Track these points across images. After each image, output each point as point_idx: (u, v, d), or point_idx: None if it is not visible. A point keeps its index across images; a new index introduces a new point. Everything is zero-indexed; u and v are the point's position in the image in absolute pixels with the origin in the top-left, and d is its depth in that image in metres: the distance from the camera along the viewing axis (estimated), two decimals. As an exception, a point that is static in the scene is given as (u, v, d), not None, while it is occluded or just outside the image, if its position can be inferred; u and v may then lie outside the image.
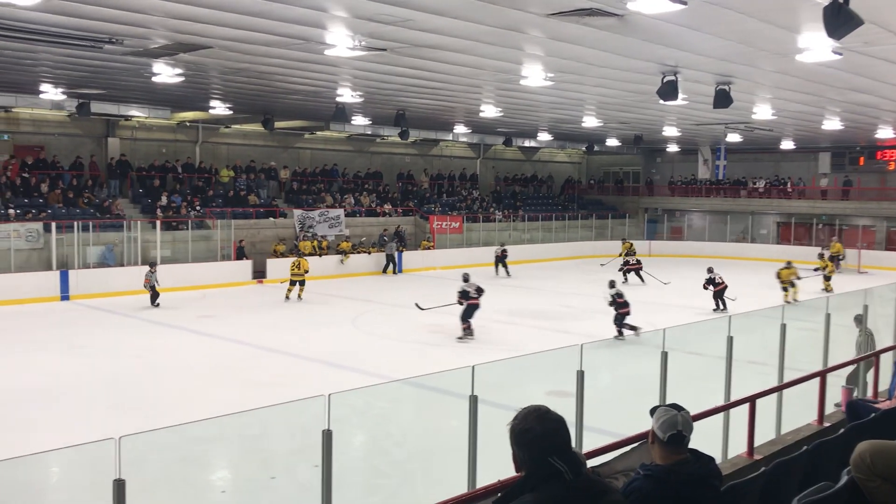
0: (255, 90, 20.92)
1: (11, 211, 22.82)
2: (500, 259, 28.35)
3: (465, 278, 17.00)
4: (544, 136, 35.71)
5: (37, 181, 24.97)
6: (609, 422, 8.27)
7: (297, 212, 28.83)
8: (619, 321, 15.98)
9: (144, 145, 28.71)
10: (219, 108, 24.90)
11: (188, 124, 29.21)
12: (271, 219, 28.41)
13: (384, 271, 28.07)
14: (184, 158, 29.41)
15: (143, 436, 4.65)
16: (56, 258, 21.78)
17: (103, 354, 14.70)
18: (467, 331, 16.10)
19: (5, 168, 24.87)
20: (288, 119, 29.12)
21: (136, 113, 26.14)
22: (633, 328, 15.87)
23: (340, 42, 13.53)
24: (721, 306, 19.92)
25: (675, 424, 3.32)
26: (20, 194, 24.14)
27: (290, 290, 21.70)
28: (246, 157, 31.21)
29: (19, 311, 19.04)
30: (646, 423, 3.55)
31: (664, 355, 8.12)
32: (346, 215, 29.96)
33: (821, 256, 25.55)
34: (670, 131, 30.59)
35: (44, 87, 21.10)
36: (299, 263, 21.75)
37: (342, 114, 23.55)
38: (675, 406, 3.45)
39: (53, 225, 22.06)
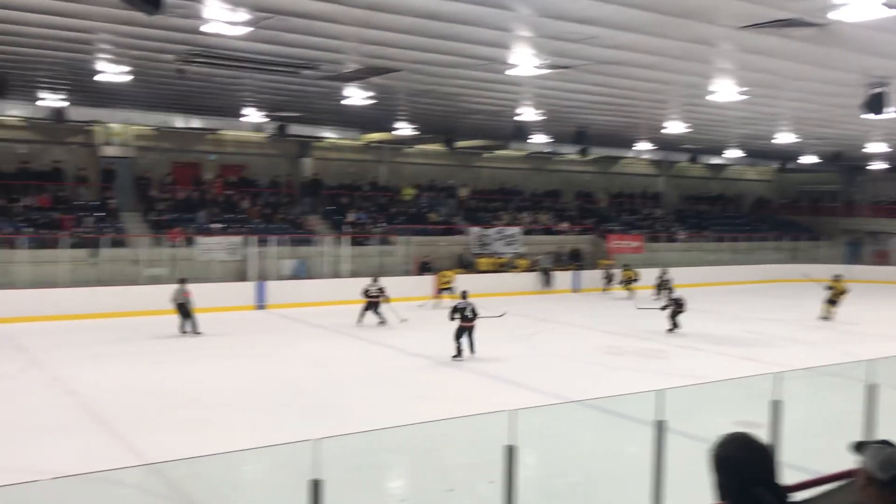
0: (439, 111, 21.50)
1: (216, 225, 24.77)
2: (662, 286, 26.51)
3: (464, 295, 16.11)
4: (733, 153, 34.12)
5: (238, 198, 26.97)
6: (804, 457, 7.69)
7: (475, 229, 29.26)
8: None
9: (335, 165, 30.27)
10: (404, 129, 25.83)
11: (375, 145, 30.49)
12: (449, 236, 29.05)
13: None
14: (370, 177, 30.74)
15: (333, 440, 4.84)
16: (254, 270, 23.37)
17: (293, 362, 15.54)
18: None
19: (211, 186, 27.06)
20: (468, 138, 29.70)
21: (328, 134, 27.70)
22: None
23: (524, 61, 13.65)
24: None
25: (895, 464, 3.01)
26: (224, 210, 26.16)
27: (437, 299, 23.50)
28: (427, 176, 32.14)
29: (219, 319, 20.51)
30: (846, 461, 3.25)
31: (870, 388, 7.46)
32: (522, 233, 30.04)
33: None
34: (875, 147, 28.28)
35: (246, 110, 22.82)
36: (445, 274, 23.67)
37: (521, 132, 23.71)
38: (887, 443, 3.13)
39: (253, 239, 23.69)
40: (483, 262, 27.83)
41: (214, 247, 23.47)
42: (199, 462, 8.15)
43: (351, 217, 27.71)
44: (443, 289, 24.01)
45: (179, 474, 8.15)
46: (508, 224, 30.43)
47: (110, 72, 15.97)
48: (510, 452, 5.26)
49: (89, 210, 23.75)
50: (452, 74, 15.76)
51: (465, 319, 15.42)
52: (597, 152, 32.48)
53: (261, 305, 22.50)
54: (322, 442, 4.17)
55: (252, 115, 23.35)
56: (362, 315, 19.86)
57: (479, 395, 13.04)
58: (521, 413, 5.82)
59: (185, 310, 18.18)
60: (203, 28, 11.55)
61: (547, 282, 27.97)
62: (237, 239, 23.89)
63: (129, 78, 16.39)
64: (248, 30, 11.54)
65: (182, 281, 18.72)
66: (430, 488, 9.01)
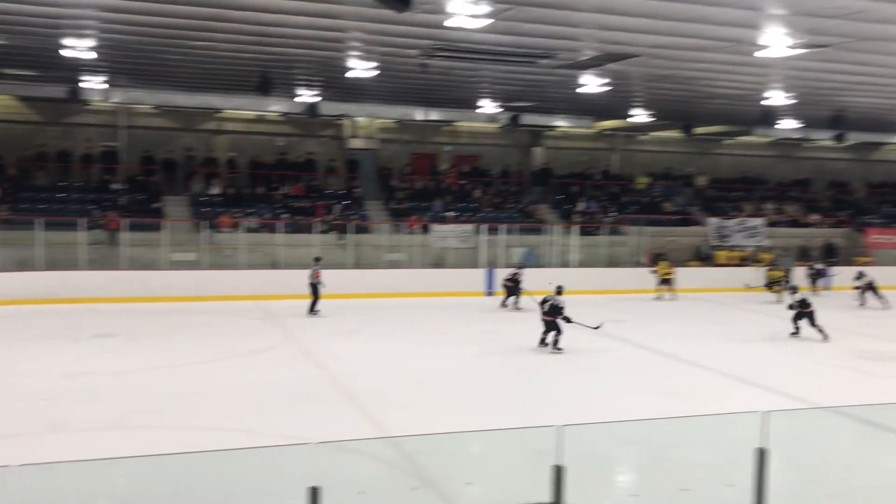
0: (677, 96, 20.72)
1: (450, 213, 25.64)
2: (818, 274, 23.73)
3: (558, 290, 15.28)
4: None
5: (471, 187, 27.72)
6: None
7: (713, 220, 27.89)
8: None
9: (565, 154, 30.17)
10: (639, 116, 25.16)
11: (608, 132, 29.99)
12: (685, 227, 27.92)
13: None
14: (601, 165, 30.31)
15: (571, 428, 4.83)
16: (483, 257, 23.93)
17: (520, 349, 15.71)
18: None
19: (446, 175, 28.04)
20: (707, 124, 28.35)
21: (560, 123, 27.68)
22: None
23: (775, 42, 12.76)
24: None
25: None
26: (457, 199, 27.02)
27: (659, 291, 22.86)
28: (662, 164, 31.11)
29: (451, 304, 21.22)
30: None
31: None
32: (766, 225, 28.17)
33: None
34: None
35: (481, 102, 23.35)
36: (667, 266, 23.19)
37: (768, 117, 22.23)
38: None
39: (484, 227, 24.26)
40: (721, 255, 26.46)
41: (448, 234, 24.32)
42: (436, 439, 8.50)
43: (581, 206, 27.50)
44: (664, 280, 23.26)
45: (417, 448, 8.53)
46: (750, 215, 28.67)
47: (359, 68, 17.01)
48: (761, 456, 4.95)
49: (338, 198, 25.54)
50: (694, 58, 15.09)
51: (545, 314, 15.07)
52: (854, 138, 29.66)
53: (489, 292, 22.99)
54: (564, 429, 4.16)
55: (487, 106, 23.87)
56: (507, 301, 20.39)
57: (716, 393, 12.48)
58: (780, 415, 5.46)
59: (315, 290, 18.78)
60: (446, 22, 11.95)
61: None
62: (469, 227, 24.57)
63: (375, 73, 17.35)
64: (488, 22, 11.77)
65: (317, 260, 19.45)
66: (664, 486, 8.72)
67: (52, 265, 19.82)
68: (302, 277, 19.39)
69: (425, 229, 24.37)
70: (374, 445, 8.98)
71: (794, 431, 8.50)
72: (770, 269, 24.53)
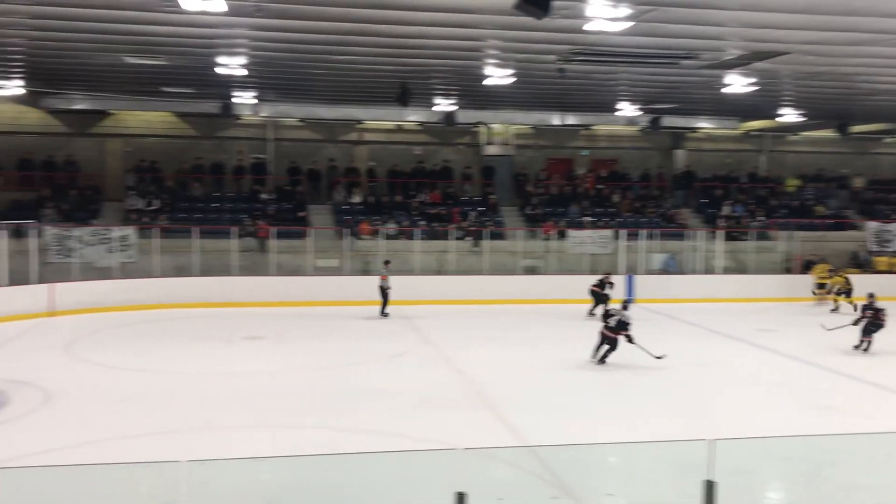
0: (832, 94, 19.55)
1: (587, 219, 25.28)
2: None
3: (625, 305, 14.47)
4: None
5: (609, 192, 27.23)
6: None
7: (872, 224, 26.10)
8: None
9: (709, 156, 29.11)
10: (788, 115, 23.92)
11: (754, 133, 28.70)
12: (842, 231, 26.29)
13: None
14: (748, 168, 29.04)
15: (724, 442, 4.63)
16: (623, 263, 23.43)
17: (667, 358, 15.25)
18: None
19: (583, 180, 27.68)
20: (865, 122, 26.58)
21: (704, 124, 26.74)
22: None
23: (945, 30, 11.82)
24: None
25: None
26: (595, 203, 26.60)
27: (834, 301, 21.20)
28: (814, 165, 29.46)
29: (587, 310, 20.85)
30: None
31: None
32: (932, 229, 26.12)
33: None
34: None
35: (620, 104, 22.91)
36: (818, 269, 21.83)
37: (934, 113, 20.61)
38: None
39: (623, 232, 23.75)
40: (882, 261, 24.73)
41: (586, 240, 23.98)
42: (576, 449, 8.38)
43: (726, 210, 26.44)
44: (821, 284, 22.18)
45: (557, 458, 8.44)
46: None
47: (496, 76, 17.08)
48: (708, 488, 4.55)
49: (473, 205, 25.74)
50: (850, 53, 14.20)
51: (608, 328, 13.88)
52: None
53: (630, 299, 22.39)
54: (717, 443, 4.00)
55: (626, 108, 23.40)
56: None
57: (878, 409, 11.69)
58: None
59: (384, 294, 19.14)
60: (585, 27, 11.80)
61: None
62: (607, 232, 24.13)
63: (512, 80, 17.37)
64: (629, 24, 11.53)
65: (386, 263, 19.80)
66: (819, 506, 8.24)
67: (206, 271, 21.05)
68: (437, 283, 19.68)
69: (562, 235, 24.14)
70: (515, 453, 8.97)
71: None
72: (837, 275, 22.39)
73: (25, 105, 23.09)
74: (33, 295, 18.74)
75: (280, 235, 22.20)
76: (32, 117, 24.21)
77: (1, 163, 23.89)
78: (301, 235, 22.72)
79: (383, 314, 19.36)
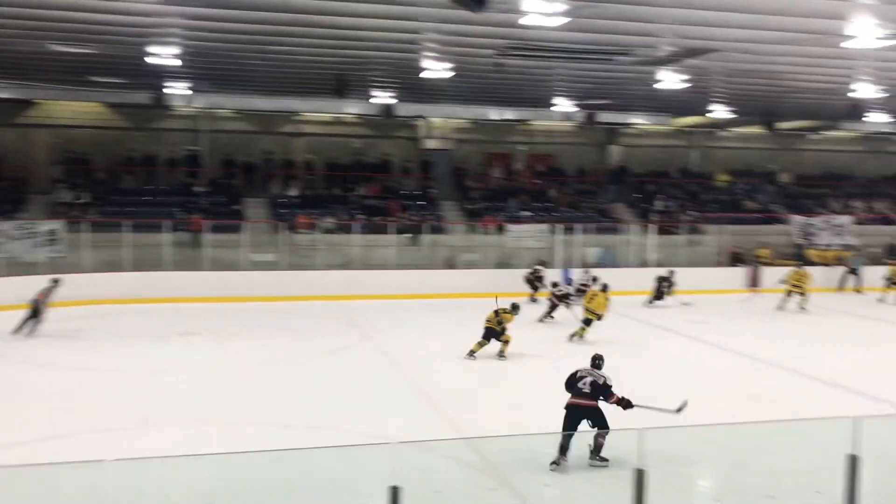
0: (759, 91, 20.14)
1: (525, 213, 25.51)
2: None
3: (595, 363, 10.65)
4: None
5: (546, 186, 27.53)
6: None
7: (797, 218, 26.99)
8: None
9: (642, 151, 29.68)
10: (719, 112, 24.55)
11: (685, 129, 29.36)
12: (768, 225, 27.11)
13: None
14: (680, 163, 29.71)
15: (653, 432, 4.74)
16: (559, 257, 23.72)
17: (601, 351, 15.47)
18: None
19: (521, 175, 27.92)
20: (791, 119, 27.46)
21: (637, 120, 27.26)
22: None
23: (863, 32, 12.27)
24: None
25: None
26: (533, 198, 26.87)
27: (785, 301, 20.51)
28: (743, 161, 30.34)
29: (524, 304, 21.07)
30: None
31: None
32: (854, 223, 27.09)
33: None
34: None
35: (556, 100, 23.17)
36: (802, 275, 20.48)
37: (856, 111, 21.40)
38: None
39: (560, 227, 24.03)
40: (813, 253, 25.62)
41: (524, 234, 24.20)
42: (513, 440, 8.48)
43: (659, 205, 27.00)
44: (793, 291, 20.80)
45: (494, 450, 8.52)
46: (837, 212, 27.64)
47: (434, 69, 17.09)
48: (853, 463, 4.75)
49: (412, 199, 25.73)
50: (777, 51, 14.64)
51: (576, 394, 8.81)
52: (949, 131, 28.32)
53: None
54: (645, 432, 4.08)
55: (562, 104, 23.67)
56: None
57: (804, 397, 12.09)
58: (865, 421, 5.26)
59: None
60: (521, 21, 11.89)
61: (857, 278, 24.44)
62: (545, 226, 24.39)
63: (450, 74, 17.40)
64: (564, 20, 11.66)
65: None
66: (749, 492, 8.49)
67: (138, 266, 20.52)
68: (377, 277, 19.53)
69: (500, 229, 24.31)
70: (452, 446, 9.02)
71: (889, 437, 8.14)
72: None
73: (-56, 94, 22.21)
74: (-45, 291, 18.04)
75: (214, 229, 21.79)
76: (-48, 107, 23.32)
77: (-81, 153, 22.92)
78: (236, 229, 22.36)
79: None
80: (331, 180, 26.00)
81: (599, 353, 9.18)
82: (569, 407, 8.65)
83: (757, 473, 8.67)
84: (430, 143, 27.60)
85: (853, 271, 24.04)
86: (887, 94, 19.37)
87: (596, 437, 8.27)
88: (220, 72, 19.05)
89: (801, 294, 20.19)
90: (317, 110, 25.75)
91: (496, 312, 14.33)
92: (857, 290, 23.82)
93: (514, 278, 21.57)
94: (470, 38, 14.09)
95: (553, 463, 8.20)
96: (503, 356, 14.13)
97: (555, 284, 19.00)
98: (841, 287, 24.14)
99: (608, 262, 24.37)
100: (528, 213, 25.53)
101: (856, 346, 16.09)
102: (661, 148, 29.93)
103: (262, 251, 22.11)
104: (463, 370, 13.47)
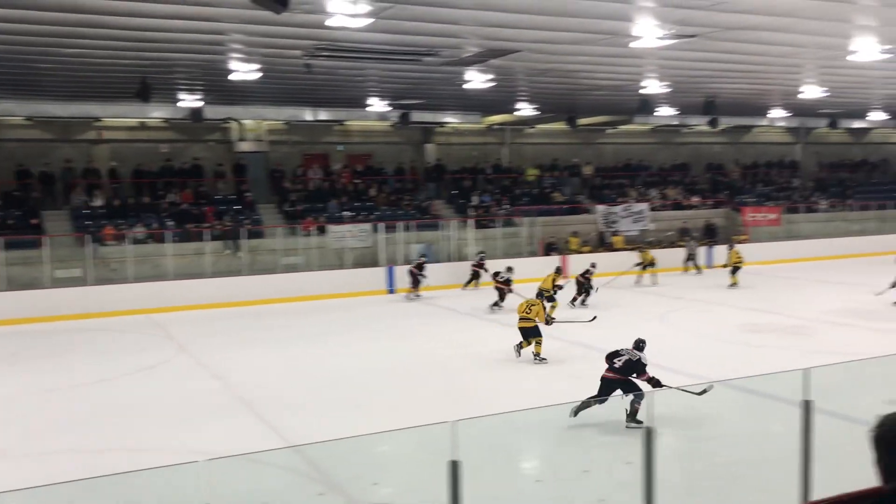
0: (560, 89, 21.25)
1: (346, 213, 25.49)
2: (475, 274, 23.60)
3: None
4: (877, 115, 31.94)
5: (366, 186, 27.64)
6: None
7: (601, 207, 28.79)
8: None
9: (457, 149, 30.48)
10: (525, 110, 25.67)
11: (496, 127, 30.47)
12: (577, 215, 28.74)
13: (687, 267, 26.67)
14: (493, 160, 30.79)
15: (473, 421, 4.92)
16: (383, 256, 23.93)
17: (429, 344, 15.82)
18: None
19: (340, 175, 27.86)
20: (590, 115, 29.21)
21: (450, 119, 27.95)
22: None
23: (647, 33, 13.28)
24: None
25: None
26: (353, 198, 26.89)
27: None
28: (550, 156, 31.87)
29: (354, 304, 21.15)
30: None
31: None
32: (651, 209, 29.29)
33: None
34: None
35: (371, 100, 23.31)
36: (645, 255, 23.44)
37: (646, 106, 23.11)
38: None
39: (381, 226, 24.23)
40: (618, 240, 27.52)
41: (345, 234, 24.17)
42: (339, 443, 8.46)
43: (475, 200, 27.86)
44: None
45: (321, 454, 8.49)
46: (635, 200, 29.75)
47: (242, 70, 16.68)
48: (648, 435, 5.18)
49: (228, 203, 24.98)
50: (573, 51, 15.52)
51: (609, 368, 10.03)
52: (727, 122, 31.20)
53: (391, 290, 23.01)
54: (459, 424, 4.24)
55: (376, 104, 23.83)
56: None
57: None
58: (661, 394, 5.73)
59: None
60: (327, 22, 11.87)
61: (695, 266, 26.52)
62: (366, 226, 24.50)
63: (259, 75, 17.05)
64: (369, 21, 11.76)
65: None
66: (567, 468, 9.00)
67: (-79, 290, 18.61)
68: (193, 287, 18.82)
69: (322, 231, 24.14)
70: (278, 455, 8.88)
71: (683, 408, 8.90)
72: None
73: None
74: None
75: (10, 246, 20.13)
76: None
77: None
78: (35, 245, 20.74)
79: None
80: (139, 188, 24.71)
81: (641, 337, 10.54)
82: (602, 379, 9.98)
83: (575, 450, 9.21)
84: (244, 146, 26.91)
85: (690, 256, 25.94)
86: (671, 90, 21.07)
87: (632, 403, 9.26)
88: (7, 76, 17.56)
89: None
90: (120, 115, 24.36)
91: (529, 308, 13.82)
92: (697, 269, 25.75)
93: (339, 279, 21.55)
94: (277, 39, 13.88)
95: (574, 412, 9.41)
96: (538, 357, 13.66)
97: (496, 274, 20.08)
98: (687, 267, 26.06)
99: (430, 257, 24.86)
100: (348, 214, 25.52)
101: (657, 323, 17.37)
102: (475, 145, 30.88)
103: (65, 267, 20.67)
104: (287, 377, 13.29)
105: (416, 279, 21.75)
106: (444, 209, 27.85)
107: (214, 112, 24.24)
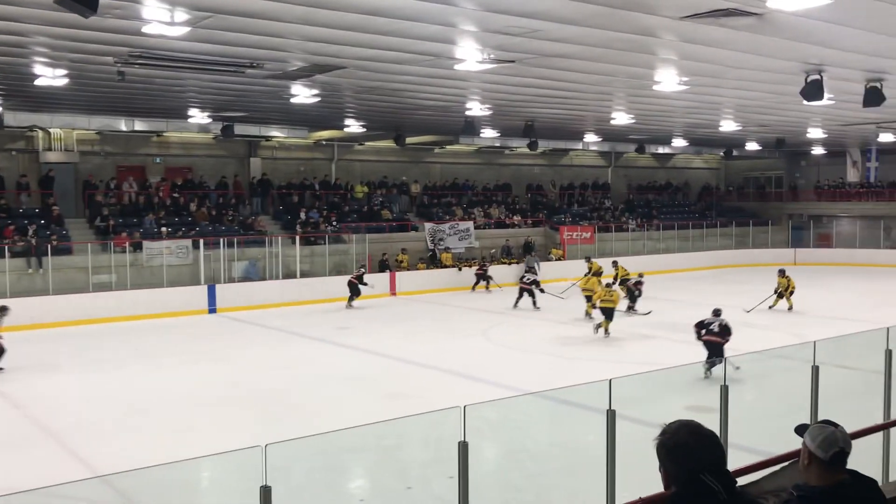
0: (387, 107, 21.41)
1: (164, 229, 24.31)
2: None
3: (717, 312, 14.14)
4: (679, 142, 34.67)
5: (186, 200, 26.53)
6: (754, 439, 7.87)
7: (428, 225, 29.26)
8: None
9: (284, 164, 29.97)
10: (353, 127, 25.67)
11: (324, 143, 30.26)
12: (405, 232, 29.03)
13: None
14: (321, 176, 30.52)
15: (287, 444, 4.80)
16: (204, 273, 23.02)
17: (249, 365, 15.36)
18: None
19: (157, 189, 26.58)
20: (418, 134, 29.65)
21: (276, 133, 27.40)
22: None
23: (469, 56, 13.66)
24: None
25: (835, 442, 3.07)
26: (171, 213, 25.71)
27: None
28: (379, 173, 32.04)
29: (171, 325, 20.20)
30: (794, 441, 3.32)
31: (815, 370, 7.65)
32: (475, 227, 30.12)
33: None
34: (815, 133, 28.96)
35: (191, 111, 22.44)
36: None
37: (471, 127, 23.73)
38: (829, 422, 3.20)
39: (202, 242, 23.31)
40: (445, 256, 28.09)
41: (163, 251, 23.05)
42: (151, 472, 8.00)
43: (302, 216, 27.46)
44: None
45: (131, 484, 7.99)
46: (461, 219, 30.48)
47: (47, 76, 15.55)
48: (463, 448, 5.27)
49: (31, 218, 23.14)
50: (398, 70, 15.67)
51: (709, 333, 13.53)
52: (545, 145, 32.68)
53: (212, 309, 22.18)
54: (271, 447, 4.12)
55: (197, 115, 22.96)
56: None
57: (439, 391, 13.05)
58: (477, 407, 5.84)
59: None
60: (143, 29, 11.31)
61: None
62: (186, 242, 23.50)
63: (66, 81, 15.97)
64: (187, 30, 11.33)
65: None
66: (390, 487, 9.00)
67: None
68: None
69: (136, 247, 22.88)
70: (84, 487, 8.27)
71: (499, 421, 9.14)
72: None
73: None
74: None
75: None
76: None
77: None
78: None
79: None
80: (-75, 200, 22.38)
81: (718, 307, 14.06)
82: (706, 342, 13.49)
83: (398, 468, 9.22)
84: (51, 157, 25.06)
85: (531, 269, 26.50)
86: (493, 112, 21.81)
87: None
88: None
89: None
90: None
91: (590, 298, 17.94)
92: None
93: (155, 298, 20.51)
94: (86, 45, 13.02)
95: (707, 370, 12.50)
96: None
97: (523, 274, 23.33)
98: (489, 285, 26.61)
99: (254, 275, 24.23)
100: (166, 229, 24.34)
101: (480, 339, 17.83)
102: (302, 160, 30.49)
103: None
104: (93, 404, 12.44)
105: (355, 289, 22.55)
106: (270, 225, 27.25)
107: (17, 119, 22.40)
